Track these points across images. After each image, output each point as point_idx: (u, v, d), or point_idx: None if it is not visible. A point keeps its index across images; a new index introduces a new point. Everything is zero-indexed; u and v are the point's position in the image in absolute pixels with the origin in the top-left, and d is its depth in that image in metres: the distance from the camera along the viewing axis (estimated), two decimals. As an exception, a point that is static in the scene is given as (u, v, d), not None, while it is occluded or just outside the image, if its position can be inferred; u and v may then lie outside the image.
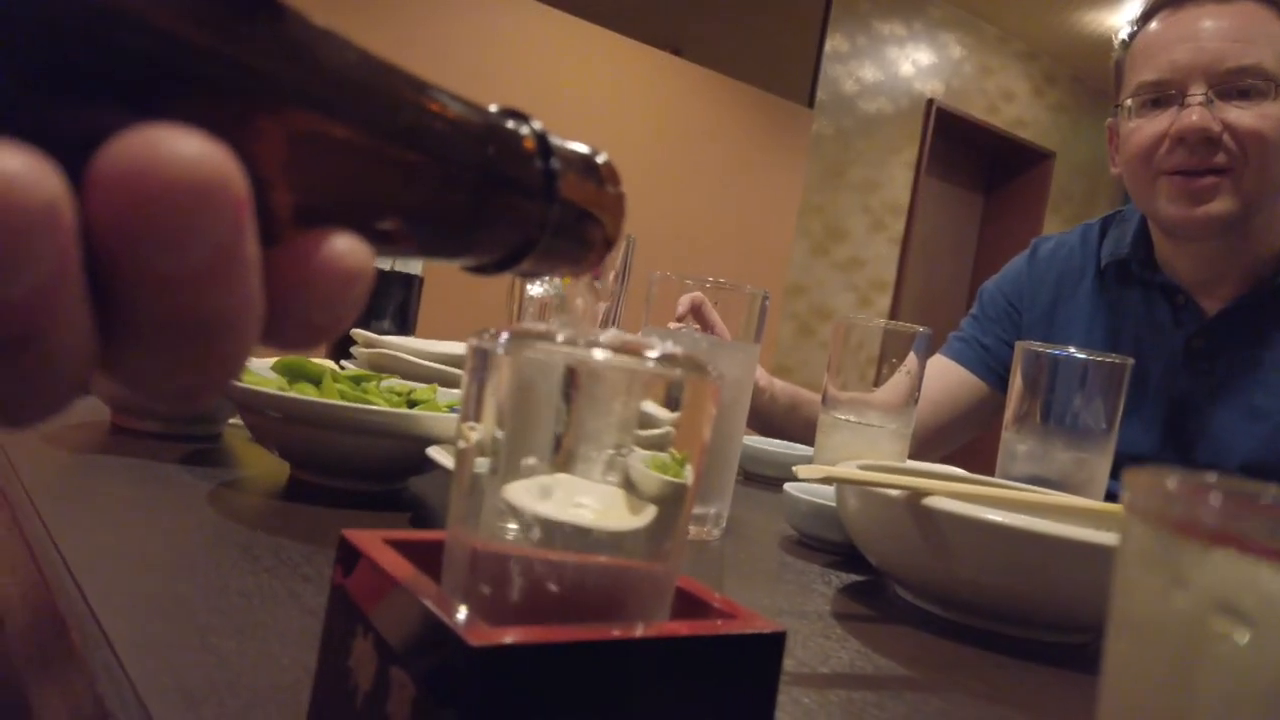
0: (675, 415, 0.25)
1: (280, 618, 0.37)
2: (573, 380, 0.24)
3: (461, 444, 0.25)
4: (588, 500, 0.24)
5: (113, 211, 0.15)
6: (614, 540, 0.25)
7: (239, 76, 0.17)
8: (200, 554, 0.45)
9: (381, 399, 0.65)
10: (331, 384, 0.64)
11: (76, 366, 0.17)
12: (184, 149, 0.15)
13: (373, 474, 0.63)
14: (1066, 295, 1.14)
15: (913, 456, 0.87)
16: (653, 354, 0.24)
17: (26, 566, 0.41)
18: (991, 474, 0.76)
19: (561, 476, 0.24)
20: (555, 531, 0.24)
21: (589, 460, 0.24)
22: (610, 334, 0.24)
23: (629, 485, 0.25)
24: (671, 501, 0.25)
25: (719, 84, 3.62)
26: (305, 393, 0.61)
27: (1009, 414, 0.81)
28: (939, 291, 4.94)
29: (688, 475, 0.25)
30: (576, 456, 0.24)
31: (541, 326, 0.24)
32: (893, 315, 4.46)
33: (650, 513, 0.25)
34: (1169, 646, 0.14)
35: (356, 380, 0.67)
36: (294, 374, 0.65)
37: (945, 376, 1.18)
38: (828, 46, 4.18)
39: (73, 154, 0.15)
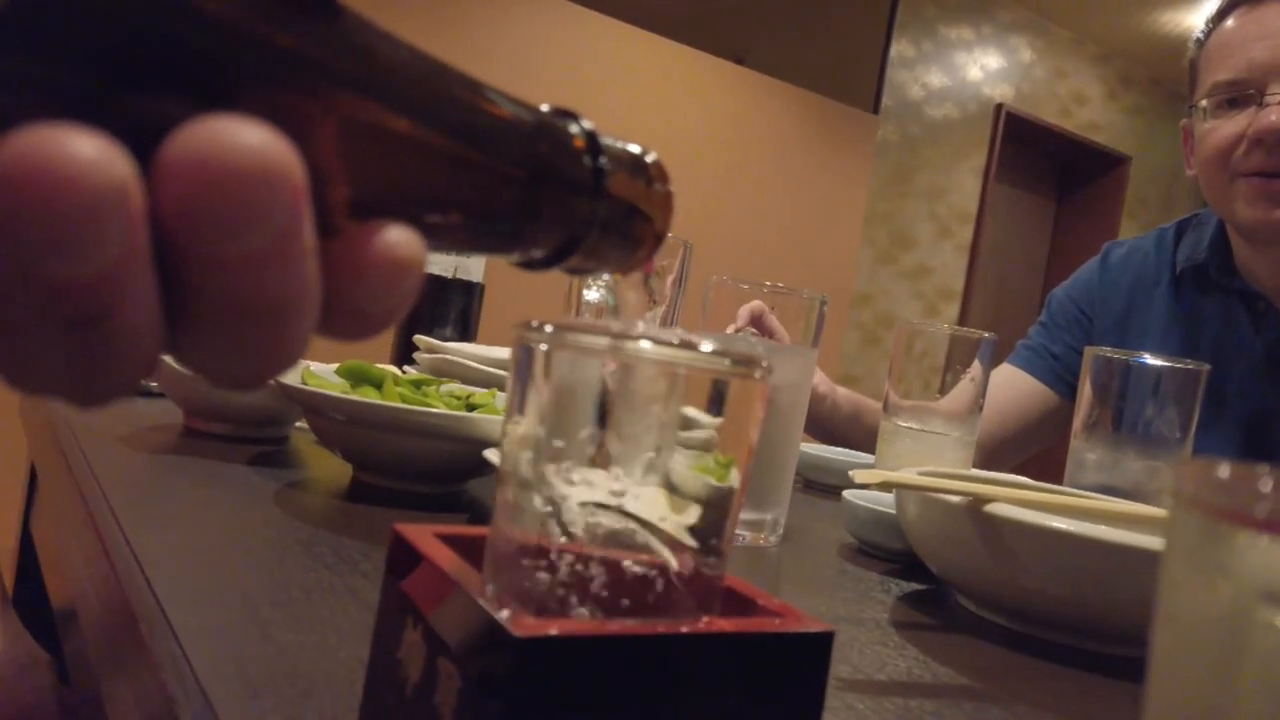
0: (718, 418, 0.24)
1: (338, 612, 0.38)
2: (616, 371, 0.24)
3: (506, 443, 0.25)
4: (630, 499, 0.24)
5: (179, 196, 0.16)
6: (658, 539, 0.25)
7: (299, 71, 0.18)
8: (264, 550, 0.46)
9: (441, 403, 0.66)
10: (393, 388, 0.65)
11: (143, 347, 0.17)
12: (247, 139, 0.16)
13: (432, 475, 0.64)
14: (1141, 302, 1.10)
15: (981, 468, 0.85)
16: (701, 347, 0.24)
17: (100, 561, 0.43)
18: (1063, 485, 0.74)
19: (605, 474, 0.24)
20: (598, 529, 0.24)
21: (631, 458, 0.24)
22: (654, 328, 0.24)
23: (671, 485, 0.25)
24: (716, 503, 0.25)
25: (782, 92, 3.61)
26: (368, 396, 0.62)
27: (1078, 422, 0.79)
28: (1009, 300, 4.84)
29: (733, 479, 0.25)
30: (620, 453, 0.24)
31: (587, 321, 0.24)
32: (961, 324, 4.37)
33: (694, 512, 0.25)
34: (1214, 637, 0.13)
35: (417, 384, 0.68)
36: (357, 378, 0.67)
37: (1013, 386, 1.16)
38: (893, 52, 4.13)
39: (142, 140, 0.16)
